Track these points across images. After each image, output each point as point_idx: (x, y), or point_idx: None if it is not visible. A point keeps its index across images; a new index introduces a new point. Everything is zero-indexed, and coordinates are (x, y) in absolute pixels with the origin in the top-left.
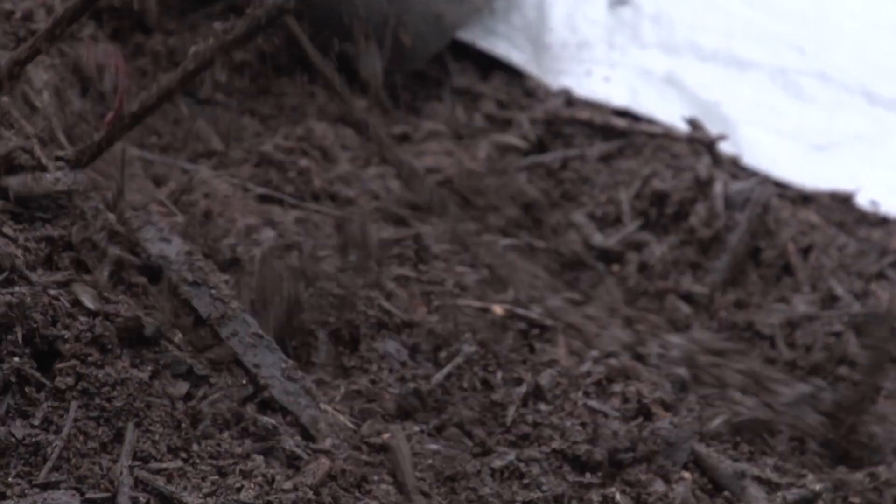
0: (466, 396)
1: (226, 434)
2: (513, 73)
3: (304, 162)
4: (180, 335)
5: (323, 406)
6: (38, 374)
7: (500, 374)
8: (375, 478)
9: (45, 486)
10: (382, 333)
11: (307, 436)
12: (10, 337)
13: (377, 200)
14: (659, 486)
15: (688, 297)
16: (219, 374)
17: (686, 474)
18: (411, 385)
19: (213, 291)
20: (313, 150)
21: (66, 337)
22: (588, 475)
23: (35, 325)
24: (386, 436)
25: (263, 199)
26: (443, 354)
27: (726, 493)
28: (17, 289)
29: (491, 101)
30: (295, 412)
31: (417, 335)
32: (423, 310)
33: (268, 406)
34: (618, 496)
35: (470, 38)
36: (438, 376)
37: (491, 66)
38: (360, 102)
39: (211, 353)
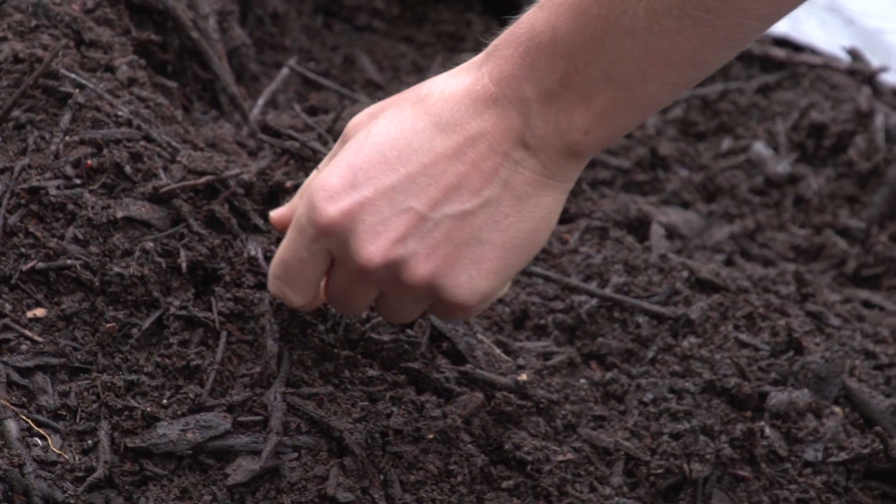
0: (615, 328)
1: (378, 360)
2: None
3: None
4: None
5: (480, 336)
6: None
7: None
8: (525, 409)
9: (199, 409)
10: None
11: (462, 363)
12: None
13: None
14: (809, 422)
15: (845, 232)
16: None
17: (837, 409)
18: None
19: None
20: None
21: (224, 267)
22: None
23: (200, 259)
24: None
25: None
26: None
27: (878, 428)
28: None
29: None
30: (452, 339)
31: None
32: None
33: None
34: (767, 430)
35: None
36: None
37: None
38: None
39: None
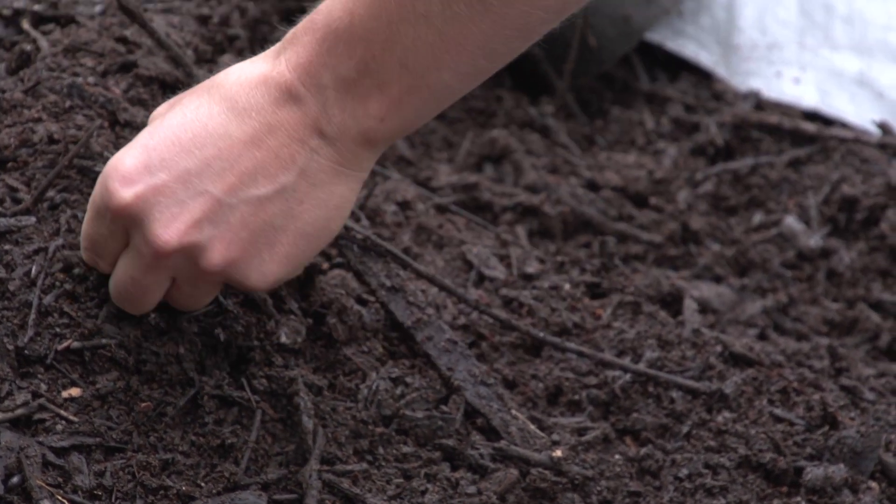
0: (649, 403)
1: (412, 437)
2: (701, 75)
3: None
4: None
5: (514, 412)
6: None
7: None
8: (560, 485)
9: (234, 487)
10: (563, 338)
11: (497, 439)
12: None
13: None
14: (846, 497)
15: (878, 306)
16: (412, 376)
17: (873, 484)
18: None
19: (409, 298)
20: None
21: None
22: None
23: (235, 338)
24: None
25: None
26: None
27: None
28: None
29: (678, 104)
30: (487, 415)
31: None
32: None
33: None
34: None
35: (658, 40)
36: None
37: (679, 67)
38: (546, 107)
39: (405, 358)
